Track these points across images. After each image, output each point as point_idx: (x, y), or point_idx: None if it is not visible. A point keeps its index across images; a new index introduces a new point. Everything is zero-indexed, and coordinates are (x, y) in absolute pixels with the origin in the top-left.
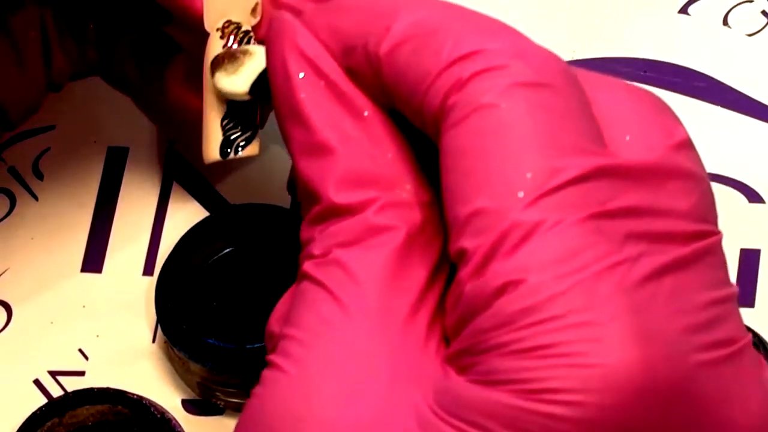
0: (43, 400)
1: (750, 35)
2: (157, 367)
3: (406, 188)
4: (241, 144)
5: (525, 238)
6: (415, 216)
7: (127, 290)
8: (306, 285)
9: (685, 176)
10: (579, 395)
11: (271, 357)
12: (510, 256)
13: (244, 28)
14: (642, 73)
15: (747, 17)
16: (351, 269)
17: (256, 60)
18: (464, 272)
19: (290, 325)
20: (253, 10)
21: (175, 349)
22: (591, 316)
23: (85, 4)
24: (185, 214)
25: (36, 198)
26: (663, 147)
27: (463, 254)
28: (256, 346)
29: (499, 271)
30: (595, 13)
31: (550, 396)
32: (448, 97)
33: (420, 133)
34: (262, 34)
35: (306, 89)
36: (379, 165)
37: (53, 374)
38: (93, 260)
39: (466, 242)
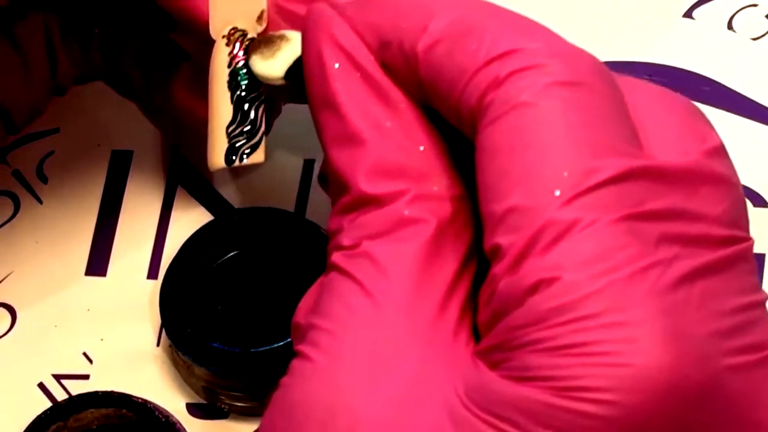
0: (48, 404)
1: (754, 39)
2: (162, 370)
3: (438, 181)
4: (247, 151)
5: (560, 237)
6: (446, 209)
7: (132, 294)
8: (335, 276)
9: (718, 181)
10: (611, 394)
11: (300, 347)
12: (545, 253)
13: (249, 36)
14: (646, 77)
15: (751, 21)
16: (380, 261)
17: (292, 45)
18: (498, 268)
19: (319, 315)
20: (259, 18)
21: (179, 352)
22: (624, 316)
23: (90, 10)
24: (189, 218)
25: (40, 201)
26: (697, 151)
27: (497, 250)
28: (260, 349)
29: (533, 268)
30: (599, 17)
31: (582, 394)
32: (486, 95)
33: (453, 131)
34: None
35: (341, 79)
36: (411, 157)
37: (58, 378)
38: (97, 264)
39: (501, 238)
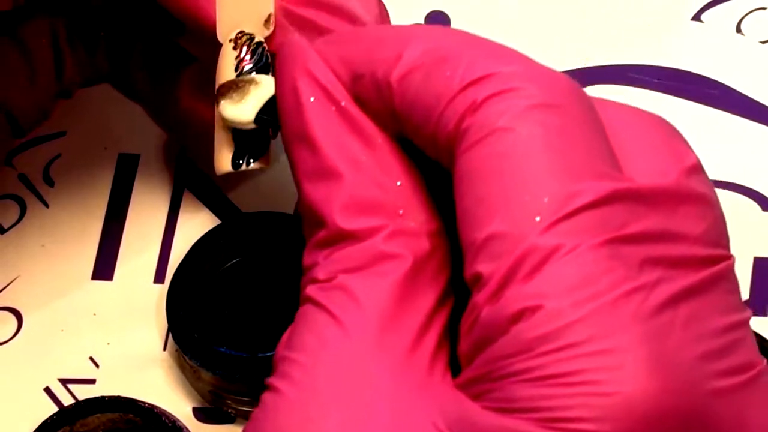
0: (54, 408)
1: (763, 42)
2: (168, 375)
3: (415, 217)
4: (253, 156)
5: (542, 263)
6: (423, 245)
7: (138, 298)
8: (308, 308)
9: (698, 201)
10: (597, 424)
11: (271, 380)
12: (527, 281)
13: (257, 39)
14: (655, 81)
15: (760, 24)
16: (355, 293)
17: (262, 89)
18: (480, 297)
19: (290, 348)
20: (266, 21)
21: (186, 357)
22: (609, 343)
23: (96, 13)
24: (196, 222)
25: (47, 205)
26: (676, 171)
27: (478, 278)
28: (267, 354)
29: (516, 296)
30: (608, 20)
31: (569, 425)
32: (462, 121)
33: (429, 164)
34: (274, 45)
35: (316, 113)
36: (388, 192)
37: (64, 382)
38: (104, 268)
39: (482, 266)
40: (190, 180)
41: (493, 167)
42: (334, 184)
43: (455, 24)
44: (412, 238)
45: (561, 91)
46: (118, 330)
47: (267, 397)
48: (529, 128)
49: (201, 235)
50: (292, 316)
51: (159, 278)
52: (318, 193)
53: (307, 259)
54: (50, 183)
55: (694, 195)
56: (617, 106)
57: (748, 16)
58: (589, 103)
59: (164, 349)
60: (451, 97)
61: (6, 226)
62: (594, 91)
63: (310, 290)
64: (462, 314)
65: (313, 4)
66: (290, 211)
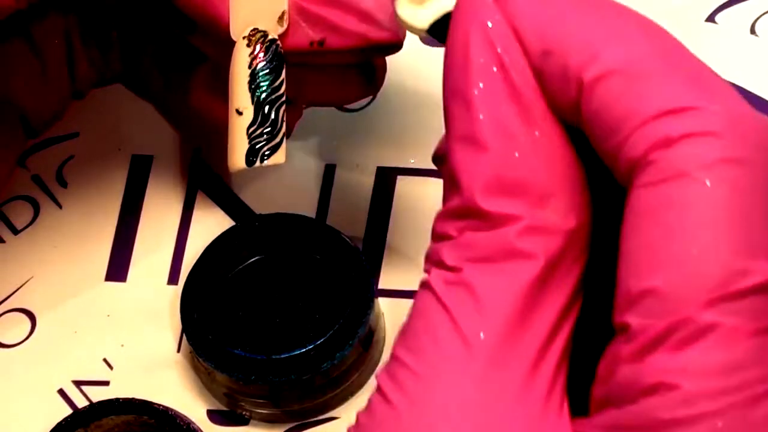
0: (68, 410)
1: None
2: (183, 377)
3: (558, 209)
4: (267, 152)
5: (694, 338)
6: (557, 243)
7: (152, 299)
8: (429, 300)
9: None
10: None
11: (382, 381)
12: (674, 352)
13: (270, 37)
14: None
15: None
16: (480, 296)
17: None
18: (625, 350)
19: (407, 347)
20: (280, 19)
21: (200, 359)
22: None
23: (109, 13)
24: (210, 223)
25: (60, 206)
26: None
27: (626, 329)
28: (282, 356)
29: (657, 366)
30: None
31: None
32: (651, 152)
33: (595, 159)
34: (288, 43)
35: (482, 76)
36: (536, 177)
37: (78, 384)
38: (117, 269)
39: (633, 319)
40: (203, 181)
41: (666, 215)
42: (481, 154)
43: None
44: (547, 235)
45: (757, 144)
46: (132, 331)
47: (377, 404)
48: (718, 184)
49: (215, 237)
50: (306, 318)
51: (173, 279)
52: (463, 158)
53: (439, 225)
54: (63, 184)
55: None
56: None
57: (762, 17)
58: None
59: (178, 351)
60: (644, 120)
61: (19, 228)
62: None
63: (434, 278)
64: (605, 354)
65: (327, 1)
66: (304, 212)
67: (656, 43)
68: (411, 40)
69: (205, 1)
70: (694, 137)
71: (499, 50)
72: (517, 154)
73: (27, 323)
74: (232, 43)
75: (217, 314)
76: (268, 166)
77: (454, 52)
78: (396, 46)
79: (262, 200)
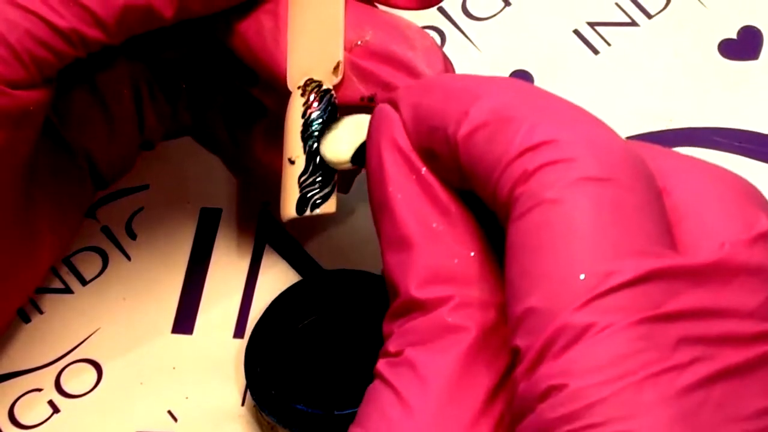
0: None
1: None
2: (246, 430)
3: (484, 287)
4: (318, 201)
5: (573, 341)
6: (489, 317)
7: (218, 352)
8: (377, 384)
9: (755, 273)
10: None
11: None
12: (557, 358)
13: (325, 87)
14: (736, 144)
15: None
16: (419, 370)
17: (359, 130)
18: (518, 371)
19: (358, 423)
20: (335, 69)
21: (263, 413)
22: (631, 425)
23: (177, 64)
24: (277, 278)
25: (129, 258)
26: (736, 241)
27: (518, 352)
28: (344, 412)
29: (546, 374)
30: (695, 81)
31: None
32: (515, 188)
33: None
34: (339, 96)
35: (397, 183)
36: (461, 262)
37: None
38: (184, 321)
39: (520, 340)
40: (271, 235)
41: (537, 239)
42: (409, 253)
43: (539, 84)
44: (479, 309)
45: (616, 163)
46: (197, 384)
47: None
48: (576, 201)
49: (281, 292)
50: (370, 375)
51: (239, 333)
52: (395, 261)
53: (385, 328)
54: (132, 236)
55: (752, 267)
56: (690, 165)
57: None
58: (646, 173)
59: (242, 405)
60: (508, 162)
61: (88, 278)
62: None
63: (381, 365)
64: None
65: (378, 57)
66: (371, 269)
67: (519, 93)
68: None
69: (263, 50)
70: (551, 165)
71: (408, 155)
72: (439, 245)
73: (93, 374)
74: (288, 93)
75: (280, 369)
76: (319, 215)
77: (372, 168)
78: None
79: (329, 255)
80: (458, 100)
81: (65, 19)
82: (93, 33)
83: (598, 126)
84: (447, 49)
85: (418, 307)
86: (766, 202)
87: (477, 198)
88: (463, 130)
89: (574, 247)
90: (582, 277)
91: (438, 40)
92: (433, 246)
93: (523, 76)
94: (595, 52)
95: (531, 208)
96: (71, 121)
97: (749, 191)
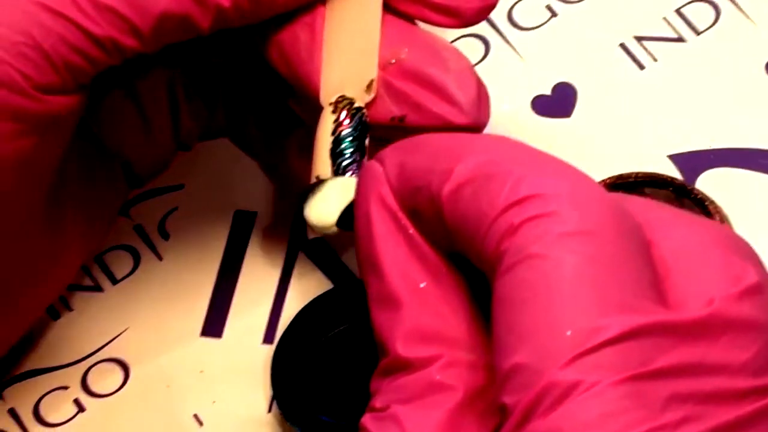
0: None
1: None
2: None
3: (472, 349)
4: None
5: (561, 400)
6: (477, 378)
7: (246, 357)
8: None
9: (745, 327)
10: None
11: None
12: (545, 417)
13: (356, 105)
14: (763, 162)
15: None
16: (405, 426)
17: (345, 193)
18: (505, 429)
19: None
20: (368, 87)
21: (288, 423)
22: None
23: (215, 71)
24: (309, 284)
25: (160, 258)
26: (725, 296)
27: (504, 410)
28: None
29: None
30: (741, 100)
31: None
32: (500, 244)
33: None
34: (369, 114)
35: (384, 242)
36: (448, 323)
37: None
38: (213, 325)
39: (507, 398)
40: (305, 241)
41: (523, 294)
42: (396, 312)
43: (582, 98)
44: (467, 370)
45: (601, 217)
46: (225, 389)
47: None
48: (561, 257)
49: (310, 300)
50: None
51: (268, 339)
52: (383, 319)
53: (372, 385)
54: (165, 236)
55: (740, 321)
56: (678, 219)
57: None
58: (632, 227)
59: (269, 411)
60: (495, 216)
61: (119, 277)
62: (717, 174)
63: (366, 419)
64: None
65: (412, 77)
66: None
67: (504, 150)
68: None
69: (297, 63)
70: (536, 219)
71: (395, 213)
72: (427, 304)
73: (120, 374)
74: (320, 108)
75: (307, 378)
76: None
77: (360, 226)
78: (474, 130)
79: None
80: (443, 158)
81: (101, 27)
82: (128, 41)
83: (582, 179)
84: (491, 59)
85: (406, 366)
86: (754, 253)
87: (465, 260)
88: (448, 187)
89: (559, 302)
90: (569, 333)
91: (482, 49)
92: (421, 305)
93: (566, 88)
94: (641, 67)
95: (517, 263)
96: (107, 124)
97: (737, 243)
